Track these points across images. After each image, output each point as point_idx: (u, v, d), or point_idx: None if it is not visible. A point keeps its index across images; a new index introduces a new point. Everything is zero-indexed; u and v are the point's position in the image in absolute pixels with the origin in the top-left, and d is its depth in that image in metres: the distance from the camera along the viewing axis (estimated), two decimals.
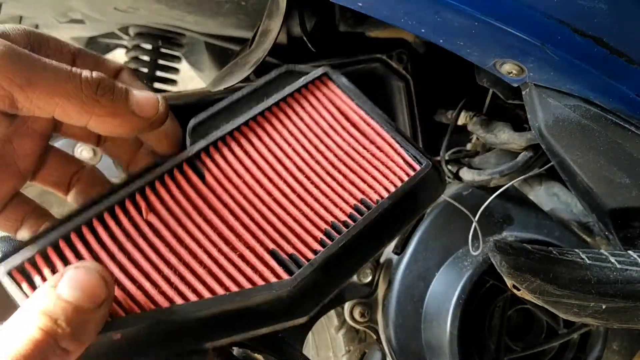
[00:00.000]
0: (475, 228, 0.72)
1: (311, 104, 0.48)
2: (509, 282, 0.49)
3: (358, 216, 0.42)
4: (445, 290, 0.74)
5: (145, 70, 1.05)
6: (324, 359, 0.90)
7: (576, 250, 0.52)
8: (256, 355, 0.49)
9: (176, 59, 1.10)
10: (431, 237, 0.77)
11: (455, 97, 0.79)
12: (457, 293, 0.71)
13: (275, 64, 0.54)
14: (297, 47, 0.68)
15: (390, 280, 0.78)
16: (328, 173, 0.44)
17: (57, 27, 1.03)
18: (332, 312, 0.84)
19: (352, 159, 0.45)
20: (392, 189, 0.44)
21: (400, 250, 0.77)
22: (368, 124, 0.47)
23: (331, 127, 0.47)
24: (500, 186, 0.72)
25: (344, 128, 0.47)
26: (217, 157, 0.43)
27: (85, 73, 0.38)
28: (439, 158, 0.77)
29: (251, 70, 0.67)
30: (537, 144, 0.66)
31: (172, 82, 1.10)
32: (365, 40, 0.76)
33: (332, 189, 0.44)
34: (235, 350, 0.53)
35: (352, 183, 0.44)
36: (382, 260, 0.81)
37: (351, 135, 0.47)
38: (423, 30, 0.52)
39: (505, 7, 0.48)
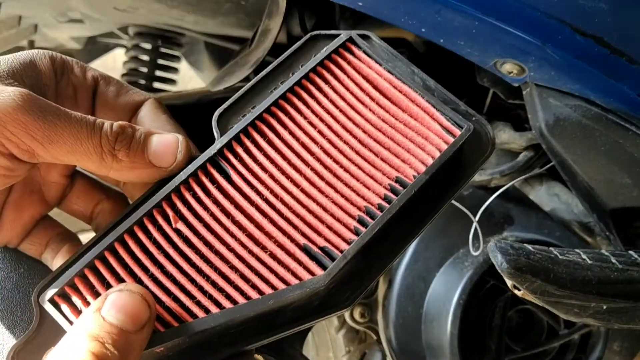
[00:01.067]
0: (475, 228, 0.71)
1: (336, 77, 0.44)
2: (509, 283, 0.49)
3: (393, 197, 0.39)
4: (446, 291, 0.74)
5: (144, 69, 1.05)
6: (324, 359, 0.90)
7: (577, 250, 0.52)
8: (256, 355, 0.49)
9: (176, 58, 1.10)
10: (431, 237, 0.77)
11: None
12: (457, 293, 0.71)
13: None
14: None
15: (390, 280, 0.78)
16: (358, 153, 0.41)
17: (57, 27, 1.03)
18: None
19: (384, 133, 0.42)
20: (430, 161, 0.40)
21: None
22: (399, 90, 0.43)
23: (359, 100, 0.43)
24: (501, 186, 0.71)
25: (372, 99, 0.43)
26: (241, 151, 0.41)
27: (106, 126, 0.38)
28: None
29: (251, 70, 0.67)
30: (538, 143, 0.66)
31: (172, 82, 1.10)
32: None
33: (364, 171, 0.40)
34: None
35: (385, 161, 0.41)
36: None
37: (381, 107, 0.43)
38: (423, 30, 0.52)
39: (506, 7, 0.48)
